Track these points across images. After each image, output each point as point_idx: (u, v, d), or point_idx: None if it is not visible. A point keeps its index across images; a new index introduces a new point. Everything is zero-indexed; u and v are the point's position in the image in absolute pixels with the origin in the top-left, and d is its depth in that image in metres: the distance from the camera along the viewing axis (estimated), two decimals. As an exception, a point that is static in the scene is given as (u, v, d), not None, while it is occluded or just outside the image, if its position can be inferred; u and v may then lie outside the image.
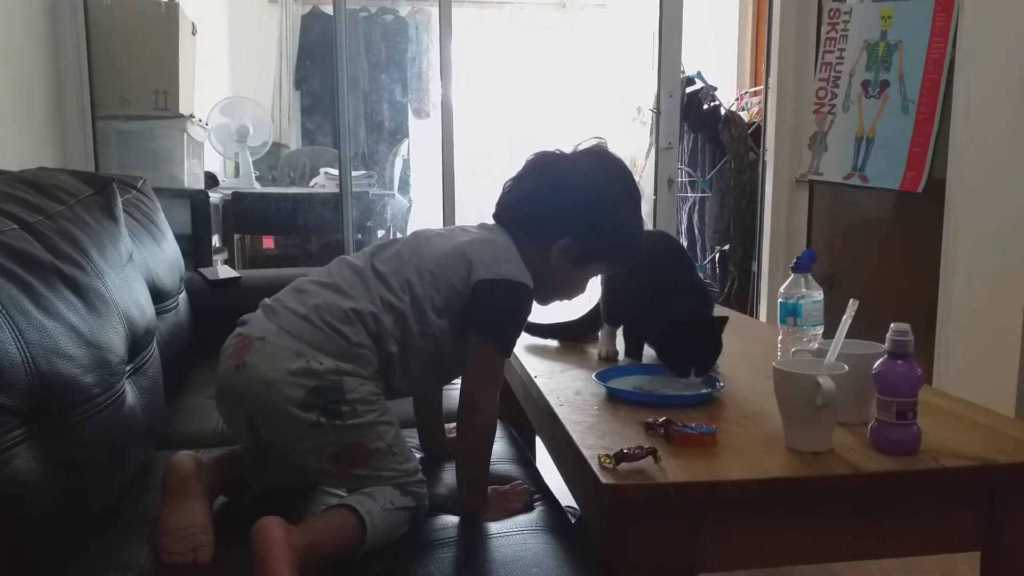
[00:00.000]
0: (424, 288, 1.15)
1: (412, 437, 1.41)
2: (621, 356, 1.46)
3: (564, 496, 1.24)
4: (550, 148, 1.29)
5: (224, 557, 1.00)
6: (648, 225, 3.65)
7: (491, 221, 1.28)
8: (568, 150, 1.28)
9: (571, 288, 1.30)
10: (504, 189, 1.29)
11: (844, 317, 1.05)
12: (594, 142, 1.29)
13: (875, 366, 0.99)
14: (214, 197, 3.49)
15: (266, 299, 1.17)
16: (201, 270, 2.02)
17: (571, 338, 1.60)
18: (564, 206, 1.22)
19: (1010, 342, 2.18)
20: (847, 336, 1.04)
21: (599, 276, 1.50)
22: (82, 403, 1.03)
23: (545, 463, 1.37)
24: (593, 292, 1.55)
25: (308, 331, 1.09)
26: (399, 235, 4.52)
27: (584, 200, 1.22)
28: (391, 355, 1.13)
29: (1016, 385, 2.16)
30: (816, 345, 1.18)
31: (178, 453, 1.11)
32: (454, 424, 1.20)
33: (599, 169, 1.25)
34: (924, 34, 2.63)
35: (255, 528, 0.94)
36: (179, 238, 1.88)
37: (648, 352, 1.41)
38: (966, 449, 1.01)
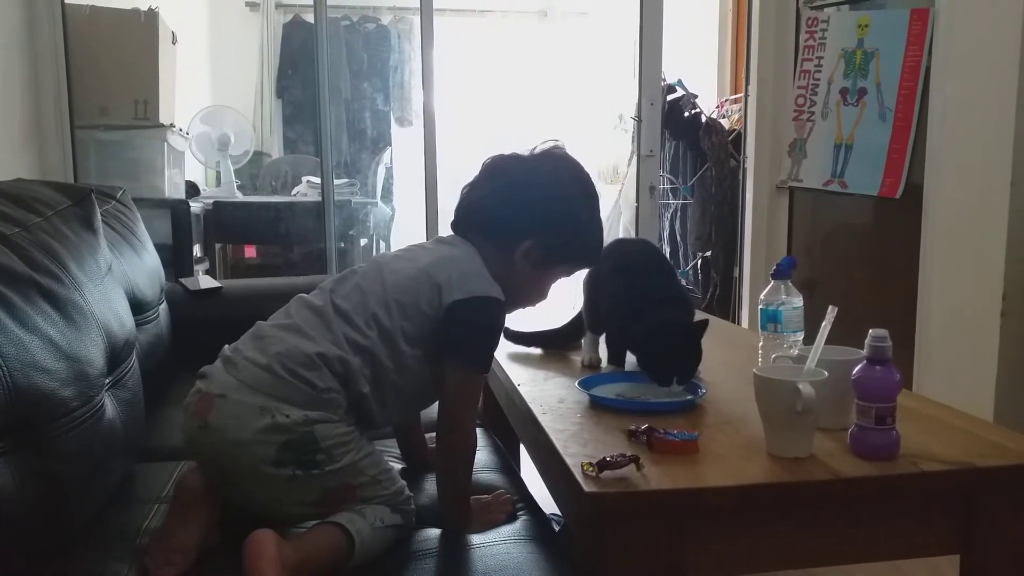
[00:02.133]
0: (393, 320, 1.11)
1: (393, 447, 1.41)
2: (604, 363, 1.46)
3: (548, 504, 1.23)
4: (506, 152, 1.27)
5: (211, 567, 0.99)
6: (631, 233, 3.67)
7: (449, 232, 1.26)
8: (524, 153, 1.26)
9: (535, 293, 1.27)
10: (462, 195, 1.27)
11: (823, 323, 1.06)
12: (550, 144, 1.28)
13: (854, 372, 1.00)
14: (195, 207, 3.47)
15: (226, 347, 1.12)
16: (182, 280, 2.00)
17: (554, 346, 1.60)
18: (526, 208, 1.20)
19: (988, 346, 2.20)
20: (827, 342, 1.05)
21: (582, 285, 1.51)
22: (60, 417, 1.02)
23: (529, 471, 1.37)
24: (576, 300, 1.56)
25: (271, 382, 1.04)
26: (382, 243, 4.53)
27: (545, 200, 1.20)
28: (363, 396, 1.09)
29: (994, 389, 2.19)
30: (796, 351, 1.19)
31: (190, 468, 1.10)
32: (434, 434, 1.19)
33: (558, 170, 1.25)
34: (900, 42, 2.67)
35: (249, 540, 0.93)
36: (159, 248, 1.87)
37: (630, 359, 1.41)
38: (945, 453, 1.01)
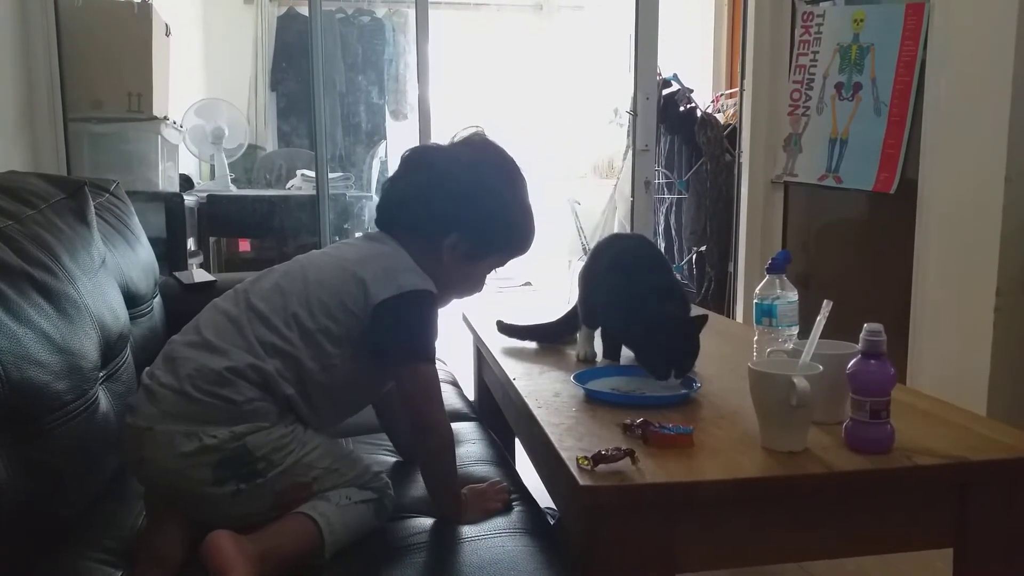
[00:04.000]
0: (316, 320, 1.08)
1: (385, 441, 1.41)
2: (599, 357, 1.46)
3: (543, 498, 1.24)
4: (426, 143, 1.24)
5: (200, 569, 0.99)
6: (626, 227, 3.67)
7: (375, 229, 1.23)
8: (444, 143, 1.24)
9: (468, 285, 1.24)
10: (383, 190, 1.24)
11: (818, 318, 1.06)
12: (471, 131, 1.24)
13: (849, 366, 1.00)
14: (189, 200, 3.46)
15: (145, 372, 1.09)
16: (176, 274, 1.99)
17: (549, 340, 1.60)
18: (447, 201, 1.17)
19: (981, 341, 2.21)
20: (821, 336, 1.05)
21: (577, 279, 1.51)
22: (54, 410, 1.02)
23: (523, 465, 1.37)
24: (571, 294, 1.56)
25: (189, 407, 1.01)
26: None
27: (466, 192, 1.17)
28: (288, 397, 1.06)
29: (987, 383, 2.20)
30: (791, 345, 1.19)
31: None
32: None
33: (478, 159, 1.21)
34: (896, 37, 2.67)
35: (205, 543, 0.93)
36: (153, 242, 1.86)
37: (626, 353, 1.41)
38: (938, 447, 1.02)
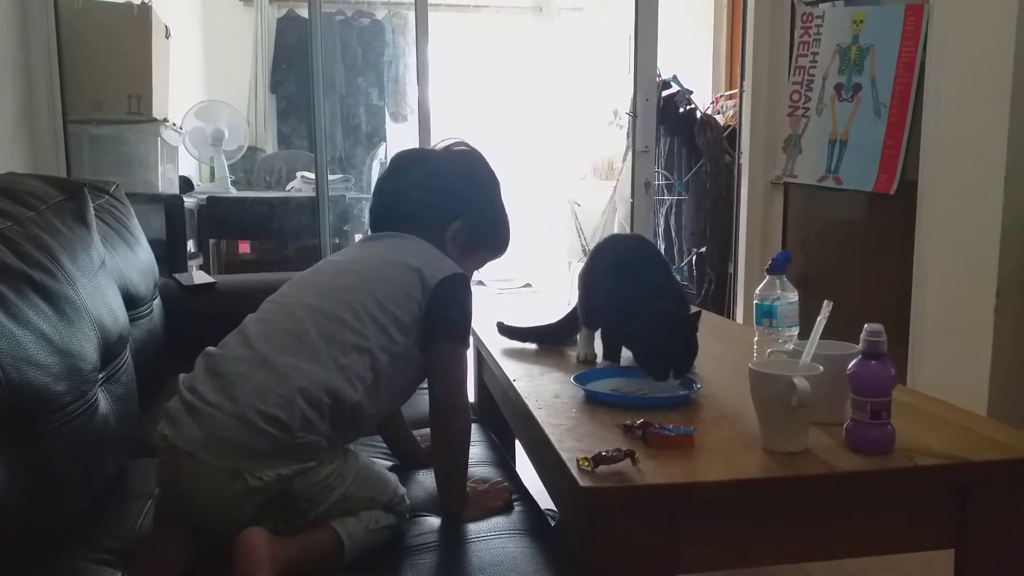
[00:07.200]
0: (384, 309, 1.08)
1: (379, 442, 1.40)
2: (599, 359, 1.46)
3: (543, 499, 1.23)
4: (413, 148, 1.31)
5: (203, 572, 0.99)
6: (625, 228, 3.68)
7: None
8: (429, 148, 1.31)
9: None
10: (376, 193, 1.28)
11: (819, 318, 1.06)
12: (453, 140, 1.31)
13: (849, 366, 1.00)
14: (189, 202, 3.46)
15: (184, 386, 1.01)
16: (176, 276, 1.99)
17: (549, 341, 1.60)
18: (448, 190, 1.23)
19: (982, 342, 2.21)
20: (822, 337, 1.05)
21: (577, 280, 1.51)
22: (53, 412, 1.02)
23: (524, 466, 1.37)
24: (571, 295, 1.56)
25: (240, 434, 0.95)
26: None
27: (468, 183, 1.25)
28: (356, 406, 1.03)
29: (988, 384, 2.20)
30: (791, 346, 1.19)
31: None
32: (425, 430, 1.19)
33: (470, 157, 1.29)
34: (895, 38, 2.67)
35: (240, 539, 0.93)
36: (153, 244, 1.86)
37: (626, 354, 1.41)
38: (939, 448, 1.02)
